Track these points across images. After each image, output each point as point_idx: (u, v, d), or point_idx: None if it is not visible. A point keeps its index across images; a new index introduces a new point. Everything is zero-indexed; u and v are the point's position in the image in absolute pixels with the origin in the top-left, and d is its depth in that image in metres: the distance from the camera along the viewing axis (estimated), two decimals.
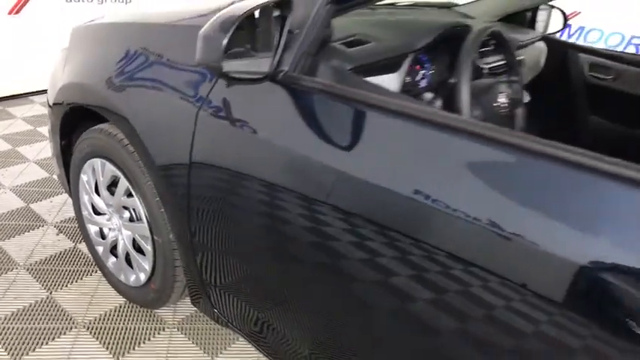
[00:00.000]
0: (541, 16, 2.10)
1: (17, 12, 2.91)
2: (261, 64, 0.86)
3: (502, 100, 1.15)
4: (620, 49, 3.93)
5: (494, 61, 1.26)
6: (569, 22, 4.17)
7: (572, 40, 4.12)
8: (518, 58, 1.61)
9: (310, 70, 0.91)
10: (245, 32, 0.85)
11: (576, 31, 4.08)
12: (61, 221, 1.91)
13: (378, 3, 1.30)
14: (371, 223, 0.76)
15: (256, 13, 0.85)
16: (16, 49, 3.01)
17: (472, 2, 2.07)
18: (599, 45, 4.00)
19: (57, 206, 2.01)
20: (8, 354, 1.31)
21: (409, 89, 1.19)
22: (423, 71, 1.25)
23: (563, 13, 2.09)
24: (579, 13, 4.00)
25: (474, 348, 0.69)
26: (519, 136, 0.66)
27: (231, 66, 0.81)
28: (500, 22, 2.01)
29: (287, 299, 1.02)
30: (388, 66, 1.06)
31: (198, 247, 1.16)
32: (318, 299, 0.93)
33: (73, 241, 1.80)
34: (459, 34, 1.13)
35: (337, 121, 0.85)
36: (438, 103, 1.22)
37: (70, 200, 1.76)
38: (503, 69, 1.25)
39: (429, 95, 1.22)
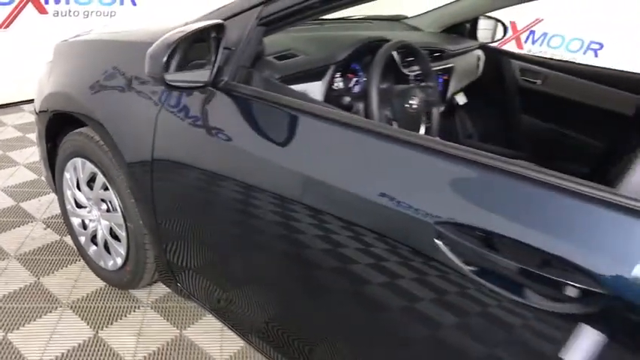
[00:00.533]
0: (487, 26, 2.33)
1: (7, 26, 3.11)
2: (202, 75, 1.07)
3: (413, 102, 1.36)
4: (580, 53, 4.18)
5: (417, 69, 1.48)
6: (533, 28, 4.41)
7: (535, 46, 4.38)
8: (445, 66, 1.84)
9: (246, 79, 1.12)
10: (195, 49, 1.07)
11: (539, 37, 4.31)
12: (48, 217, 2.11)
13: (312, 20, 1.52)
14: (300, 205, 0.96)
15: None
16: (6, 60, 3.20)
17: (419, 15, 2.30)
18: (561, 50, 4.25)
19: (45, 204, 2.20)
20: (0, 329, 1.51)
21: (342, 94, 1.41)
22: (356, 79, 1.47)
23: (503, 25, 2.32)
24: (542, 19, 4.24)
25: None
26: (404, 132, 0.86)
27: (174, 77, 1.02)
28: (444, 32, 2.24)
29: (242, 277, 1.22)
30: (313, 75, 1.28)
31: (163, 233, 1.36)
32: (268, 276, 1.14)
33: (59, 235, 2.00)
34: (377, 47, 1.35)
35: (266, 121, 1.06)
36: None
37: (56, 199, 1.95)
38: (422, 76, 1.47)
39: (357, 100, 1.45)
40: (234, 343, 1.55)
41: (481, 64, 2.17)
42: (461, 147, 0.78)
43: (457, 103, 2.07)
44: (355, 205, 0.87)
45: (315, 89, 1.28)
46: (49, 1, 3.21)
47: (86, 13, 3.45)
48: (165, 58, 0.97)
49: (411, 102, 1.36)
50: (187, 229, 1.30)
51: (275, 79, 1.14)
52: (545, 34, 4.26)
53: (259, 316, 1.21)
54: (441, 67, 1.83)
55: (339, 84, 1.38)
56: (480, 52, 2.16)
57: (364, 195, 0.85)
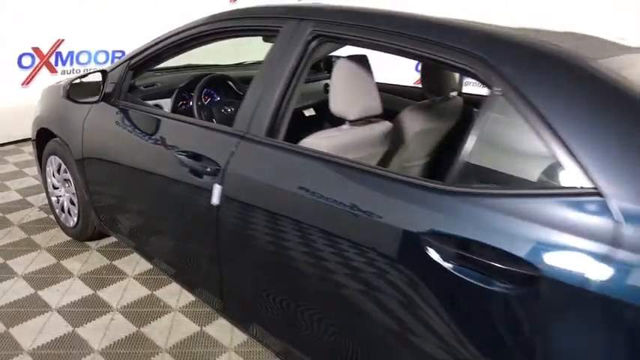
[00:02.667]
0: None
1: (27, 84, 4.28)
2: (96, 96, 2.08)
3: (226, 109, 2.36)
4: (108, 63, 4.51)
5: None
6: (58, 50, 4.34)
7: (67, 66, 4.43)
8: None
9: (124, 98, 2.11)
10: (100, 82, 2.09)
11: (67, 57, 4.47)
12: (40, 207, 3.12)
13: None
14: (157, 170, 1.91)
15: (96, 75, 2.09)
16: (28, 109, 4.34)
17: None
18: (91, 64, 4.56)
19: (33, 211, 3.22)
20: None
21: (200, 110, 2.38)
22: (210, 99, 2.46)
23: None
24: (64, 39, 4.36)
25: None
26: (220, 127, 1.83)
27: (76, 97, 2.03)
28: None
29: (141, 218, 2.17)
30: (164, 95, 2.29)
31: (95, 196, 2.33)
32: (155, 215, 2.08)
33: (46, 213, 2.99)
34: (213, 79, 2.37)
35: (133, 120, 2.04)
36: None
37: (35, 203, 2.96)
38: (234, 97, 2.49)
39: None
40: None
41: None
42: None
43: (304, 114, 2.99)
44: (169, 162, 1.83)
45: (166, 103, 2.29)
46: (58, 63, 4.39)
47: (85, 70, 4.62)
48: (67, 87, 2.01)
49: (225, 109, 2.35)
50: (107, 191, 2.27)
51: (139, 98, 2.14)
52: (71, 53, 4.48)
53: (158, 246, 2.13)
54: None
55: (183, 100, 2.39)
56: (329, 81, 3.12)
57: (173, 160, 1.80)
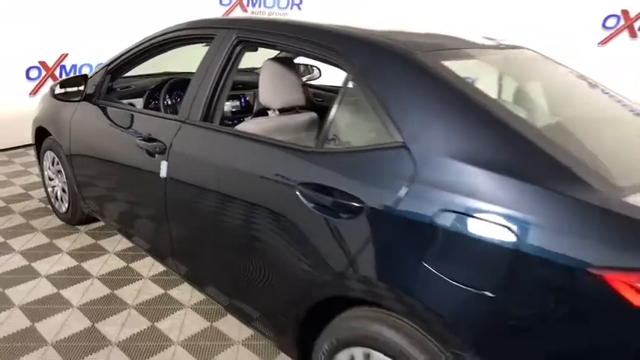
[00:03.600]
0: (304, 70, 3.67)
1: (35, 94, 4.76)
2: (79, 96, 2.49)
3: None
4: None
5: None
6: (63, 63, 4.79)
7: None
8: (245, 92, 3.19)
9: (104, 98, 2.52)
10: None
11: (71, 69, 4.92)
12: (40, 199, 3.53)
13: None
14: (128, 153, 2.31)
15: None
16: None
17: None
18: None
19: (34, 202, 3.63)
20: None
21: (166, 107, 2.78)
22: (179, 98, 2.86)
23: (318, 68, 3.66)
24: (67, 54, 4.82)
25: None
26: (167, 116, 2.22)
27: (60, 96, 2.45)
28: None
29: (116, 200, 2.56)
30: (137, 95, 2.70)
31: (80, 183, 2.73)
32: (126, 191, 2.47)
33: (44, 204, 3.40)
34: (177, 81, 2.76)
35: (110, 115, 2.43)
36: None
37: (35, 196, 3.37)
38: None
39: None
40: None
41: None
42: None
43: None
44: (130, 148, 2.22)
45: (139, 101, 2.70)
46: (62, 75, 4.87)
47: None
48: (53, 87, 2.42)
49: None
50: (91, 179, 2.67)
51: (115, 98, 2.55)
52: (74, 66, 4.93)
53: (131, 223, 2.51)
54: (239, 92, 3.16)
55: (154, 98, 2.78)
56: None
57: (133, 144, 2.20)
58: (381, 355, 1.33)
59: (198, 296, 2.39)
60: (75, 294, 2.39)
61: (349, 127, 1.53)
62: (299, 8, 5.68)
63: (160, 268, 2.63)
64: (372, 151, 1.36)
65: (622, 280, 0.96)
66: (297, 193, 1.45)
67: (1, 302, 2.29)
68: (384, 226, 1.29)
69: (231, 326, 2.19)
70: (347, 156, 1.39)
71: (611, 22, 4.42)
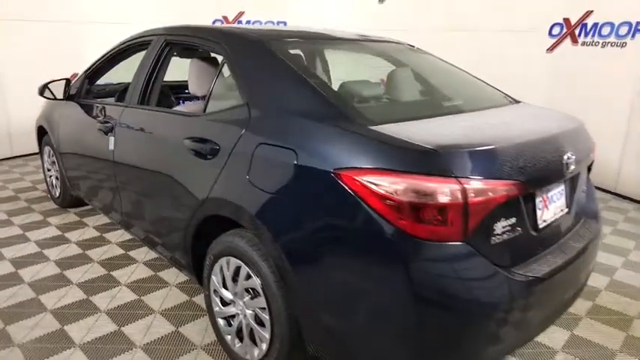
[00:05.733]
0: None
1: None
2: (62, 95, 3.12)
3: None
4: None
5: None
6: None
7: None
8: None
9: (84, 97, 3.14)
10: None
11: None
12: (44, 190, 4.18)
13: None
14: (102, 143, 2.91)
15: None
16: None
17: None
18: None
19: (37, 192, 4.28)
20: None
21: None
22: None
23: None
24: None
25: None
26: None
27: (48, 95, 3.08)
28: None
29: (95, 182, 3.15)
30: (110, 94, 3.30)
31: (67, 170, 3.34)
32: (104, 180, 3.06)
33: (46, 193, 4.04)
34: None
35: (87, 111, 3.04)
36: None
37: (40, 188, 4.01)
38: None
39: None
40: None
41: None
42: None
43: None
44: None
45: (111, 99, 3.31)
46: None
47: None
48: (41, 88, 3.06)
49: None
50: (75, 167, 3.27)
51: (92, 96, 3.17)
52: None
53: (101, 198, 3.09)
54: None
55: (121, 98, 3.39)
56: None
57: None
58: (235, 259, 1.82)
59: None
60: (54, 252, 2.96)
61: (221, 96, 2.06)
62: None
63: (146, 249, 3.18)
64: (228, 110, 1.89)
65: (348, 174, 1.42)
66: (185, 143, 1.98)
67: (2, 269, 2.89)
68: (230, 159, 1.79)
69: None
70: (215, 115, 1.94)
71: (556, 30, 4.82)
